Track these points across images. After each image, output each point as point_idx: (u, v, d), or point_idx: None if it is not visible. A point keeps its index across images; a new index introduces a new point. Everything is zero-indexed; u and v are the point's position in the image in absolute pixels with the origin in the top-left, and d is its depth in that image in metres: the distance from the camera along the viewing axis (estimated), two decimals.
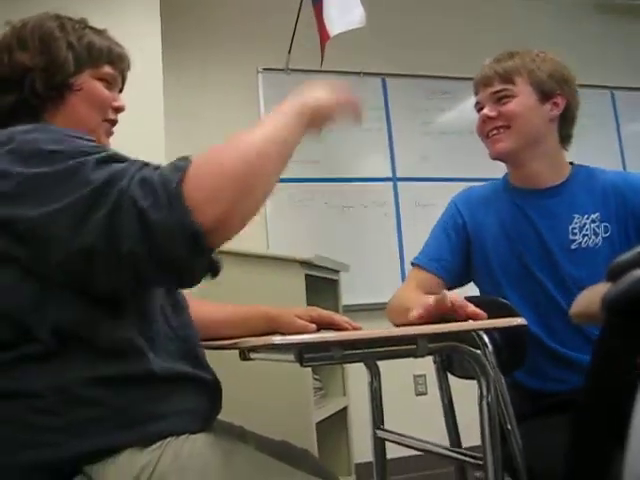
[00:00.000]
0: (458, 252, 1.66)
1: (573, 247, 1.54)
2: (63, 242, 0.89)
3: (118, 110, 1.24)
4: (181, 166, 0.88)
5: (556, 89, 1.57)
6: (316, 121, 1.05)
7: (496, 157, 1.63)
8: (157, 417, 0.98)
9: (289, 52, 3.56)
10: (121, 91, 1.28)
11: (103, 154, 0.93)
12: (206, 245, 0.86)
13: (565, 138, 1.64)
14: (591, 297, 0.92)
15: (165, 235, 0.85)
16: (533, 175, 1.61)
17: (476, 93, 1.65)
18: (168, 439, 0.96)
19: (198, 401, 1.07)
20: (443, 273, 1.64)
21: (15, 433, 0.91)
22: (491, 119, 1.59)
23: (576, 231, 1.55)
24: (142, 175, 0.88)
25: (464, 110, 3.94)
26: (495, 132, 1.59)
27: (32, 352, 0.93)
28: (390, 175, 3.91)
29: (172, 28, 3.23)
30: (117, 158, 0.93)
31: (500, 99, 1.58)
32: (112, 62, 1.21)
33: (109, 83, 1.21)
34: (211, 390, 1.13)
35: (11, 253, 0.94)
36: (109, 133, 1.25)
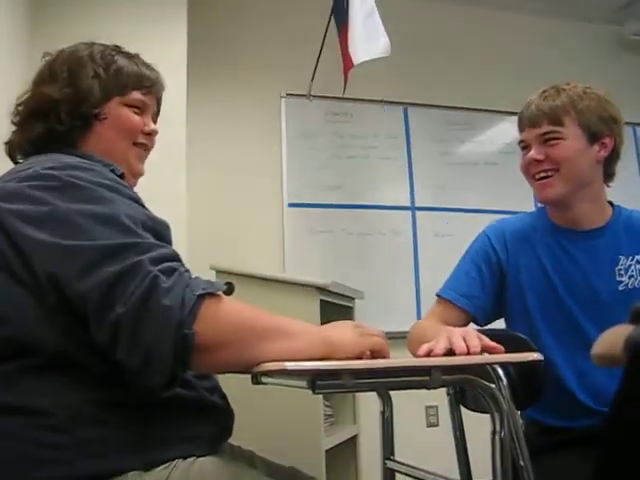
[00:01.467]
0: (490, 289, 1.59)
1: (620, 288, 1.52)
2: (72, 279, 0.90)
3: (150, 134, 1.24)
4: (213, 286, 0.90)
5: (605, 130, 1.53)
6: (334, 355, 1.00)
7: (544, 202, 1.60)
8: (167, 441, 0.97)
9: (312, 79, 3.58)
10: (158, 113, 1.29)
11: (143, 218, 0.97)
12: (187, 356, 0.86)
13: (609, 176, 1.60)
14: (613, 339, 0.90)
15: (161, 319, 0.84)
16: (578, 217, 1.57)
17: (521, 130, 1.59)
18: (175, 461, 0.96)
19: (208, 426, 1.06)
20: (473, 310, 1.58)
21: (28, 450, 0.91)
22: (538, 162, 1.53)
23: (622, 272, 1.53)
24: (174, 264, 0.90)
25: (482, 142, 3.94)
26: (543, 174, 1.53)
27: (34, 365, 0.93)
28: (409, 204, 3.92)
29: (198, 52, 3.28)
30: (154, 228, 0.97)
31: (547, 140, 1.52)
32: (141, 87, 1.22)
33: (139, 108, 1.22)
34: (222, 416, 1.12)
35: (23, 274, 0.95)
36: (141, 157, 1.25)
